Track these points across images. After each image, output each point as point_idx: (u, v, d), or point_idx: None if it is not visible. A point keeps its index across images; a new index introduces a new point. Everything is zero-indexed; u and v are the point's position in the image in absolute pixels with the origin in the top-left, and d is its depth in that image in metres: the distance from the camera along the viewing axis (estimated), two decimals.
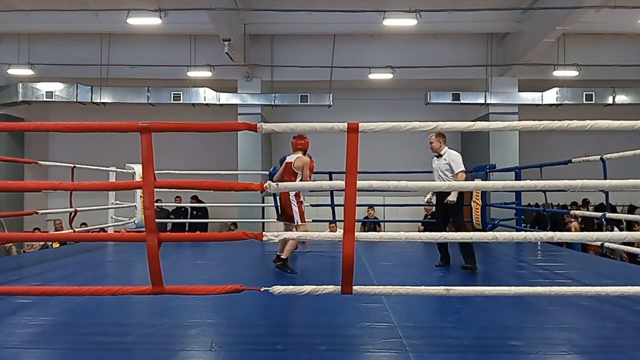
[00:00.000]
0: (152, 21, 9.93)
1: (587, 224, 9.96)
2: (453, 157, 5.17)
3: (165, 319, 3.32)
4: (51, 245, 9.32)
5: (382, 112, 12.12)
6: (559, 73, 11.46)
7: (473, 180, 8.56)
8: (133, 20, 9.87)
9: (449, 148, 5.31)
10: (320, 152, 12.57)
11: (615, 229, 8.23)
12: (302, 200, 5.37)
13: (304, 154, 5.34)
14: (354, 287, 2.73)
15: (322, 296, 2.85)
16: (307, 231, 4.83)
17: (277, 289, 2.80)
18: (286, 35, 11.92)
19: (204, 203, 10.90)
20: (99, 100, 11.71)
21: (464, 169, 5.14)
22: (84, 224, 10.18)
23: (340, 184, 2.75)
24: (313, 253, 6.51)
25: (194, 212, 11.29)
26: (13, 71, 11.76)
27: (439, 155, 5.26)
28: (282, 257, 5.10)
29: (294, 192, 5.25)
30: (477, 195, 8.39)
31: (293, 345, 2.89)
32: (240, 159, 12.09)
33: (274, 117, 12.79)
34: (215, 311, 3.43)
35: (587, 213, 7.82)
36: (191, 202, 11.19)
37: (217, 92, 11.90)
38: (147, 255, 2.67)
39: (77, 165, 6.71)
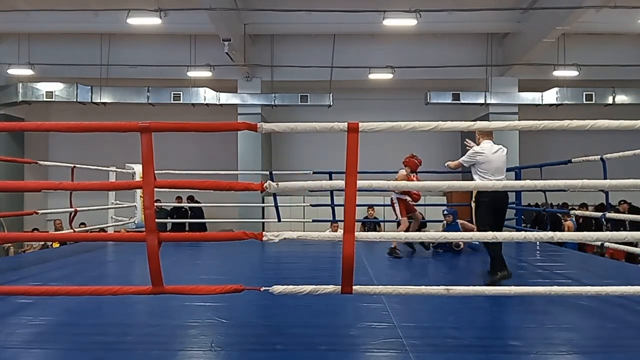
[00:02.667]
0: (152, 21, 9.93)
1: (586, 226, 9.98)
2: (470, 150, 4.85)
3: (165, 319, 3.32)
4: (51, 245, 9.32)
5: (382, 112, 12.09)
6: (559, 73, 11.46)
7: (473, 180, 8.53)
8: (133, 20, 9.87)
9: (490, 142, 4.87)
10: (321, 152, 12.67)
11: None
12: (407, 199, 6.37)
13: (411, 172, 6.33)
14: (354, 287, 2.73)
15: (322, 296, 2.85)
16: (407, 226, 6.25)
17: (277, 289, 2.79)
18: (286, 35, 11.93)
19: (200, 203, 10.90)
20: (99, 100, 11.72)
21: (462, 159, 4.85)
22: (83, 224, 10.18)
23: (340, 184, 2.75)
24: (313, 253, 6.50)
25: (190, 213, 11.27)
26: (13, 71, 11.76)
27: None
28: (392, 245, 6.21)
29: (396, 196, 6.32)
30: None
31: (293, 345, 2.89)
32: (240, 159, 12.09)
33: (274, 117, 12.79)
34: (215, 311, 3.43)
35: (587, 213, 7.82)
36: (188, 202, 11.18)
37: (217, 92, 11.90)
38: (147, 255, 2.67)
39: (77, 165, 6.70)
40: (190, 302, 3.58)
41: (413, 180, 6.22)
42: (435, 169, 9.36)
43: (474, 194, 4.67)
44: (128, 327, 3.21)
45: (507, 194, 4.85)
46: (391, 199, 6.47)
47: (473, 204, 4.60)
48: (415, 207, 6.57)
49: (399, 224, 6.60)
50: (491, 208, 4.53)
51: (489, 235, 3.20)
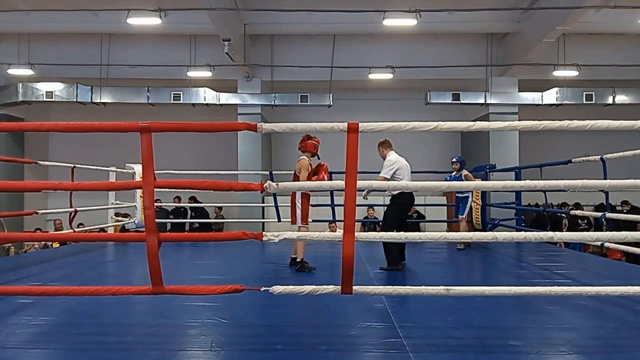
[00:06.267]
0: (152, 21, 9.92)
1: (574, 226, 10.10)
2: (385, 162, 5.55)
3: (165, 319, 3.32)
4: (51, 245, 9.32)
5: (382, 112, 12.11)
6: (559, 73, 11.45)
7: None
8: (133, 20, 9.86)
9: (394, 152, 5.72)
10: (321, 152, 12.63)
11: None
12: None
13: (312, 156, 5.51)
14: (354, 287, 2.73)
15: (322, 296, 2.85)
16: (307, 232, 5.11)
17: (277, 289, 2.80)
18: (286, 35, 11.92)
19: (202, 203, 10.90)
20: (99, 100, 11.71)
21: (384, 173, 5.40)
22: (81, 224, 10.16)
23: (340, 184, 2.75)
24: (313, 253, 6.49)
25: (192, 213, 11.27)
26: (13, 71, 11.75)
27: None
28: (297, 259, 5.33)
29: (301, 193, 5.36)
30: (477, 195, 8.41)
31: (293, 345, 2.89)
32: (240, 159, 12.08)
33: (274, 117, 12.78)
34: (215, 311, 3.43)
35: (587, 213, 7.81)
36: (189, 202, 11.18)
37: (217, 92, 11.89)
38: (147, 255, 2.68)
39: (77, 165, 6.71)
40: (190, 302, 3.58)
41: (326, 166, 5.46)
42: (435, 169, 9.38)
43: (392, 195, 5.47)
44: (128, 327, 3.21)
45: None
46: (294, 194, 5.46)
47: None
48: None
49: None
50: (404, 209, 5.51)
51: (489, 236, 3.20)
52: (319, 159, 5.61)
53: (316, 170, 5.39)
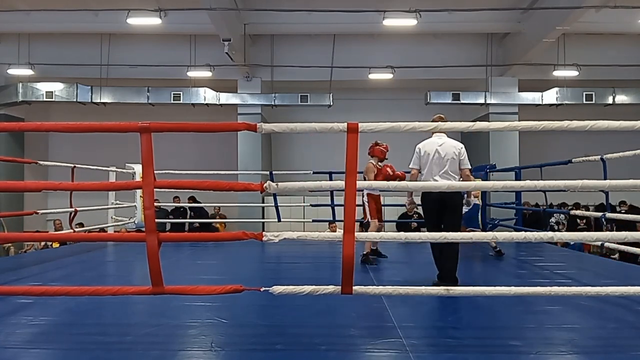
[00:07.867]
0: (152, 21, 9.93)
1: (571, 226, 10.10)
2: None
3: (165, 319, 3.32)
4: (51, 245, 9.31)
5: (382, 112, 12.08)
6: (559, 73, 11.46)
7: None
8: (133, 20, 9.87)
9: (429, 139, 4.70)
10: (321, 152, 12.67)
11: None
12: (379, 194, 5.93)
13: (380, 161, 5.88)
14: (354, 287, 2.73)
15: (322, 296, 2.85)
16: (376, 227, 5.69)
17: (277, 289, 2.79)
18: (286, 35, 11.92)
19: (201, 203, 10.89)
20: (99, 100, 11.71)
21: (411, 166, 4.50)
22: (81, 224, 10.16)
23: (340, 184, 2.75)
24: (313, 253, 6.50)
25: (191, 213, 11.26)
26: (13, 71, 11.76)
27: None
28: (364, 252, 5.64)
29: (366, 192, 5.77)
30: (476, 196, 8.40)
31: (293, 345, 2.89)
32: (240, 159, 12.08)
33: (274, 117, 12.79)
34: (215, 311, 3.43)
35: (586, 213, 7.82)
36: (189, 202, 11.17)
37: (217, 92, 11.90)
38: (147, 255, 2.67)
39: (77, 165, 6.70)
40: (190, 302, 3.58)
41: (386, 171, 5.78)
42: None
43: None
44: (128, 327, 3.21)
45: (450, 193, 4.23)
46: (362, 199, 5.77)
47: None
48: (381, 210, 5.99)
49: (364, 225, 5.99)
50: (430, 209, 4.36)
51: (489, 236, 3.20)
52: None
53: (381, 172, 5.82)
